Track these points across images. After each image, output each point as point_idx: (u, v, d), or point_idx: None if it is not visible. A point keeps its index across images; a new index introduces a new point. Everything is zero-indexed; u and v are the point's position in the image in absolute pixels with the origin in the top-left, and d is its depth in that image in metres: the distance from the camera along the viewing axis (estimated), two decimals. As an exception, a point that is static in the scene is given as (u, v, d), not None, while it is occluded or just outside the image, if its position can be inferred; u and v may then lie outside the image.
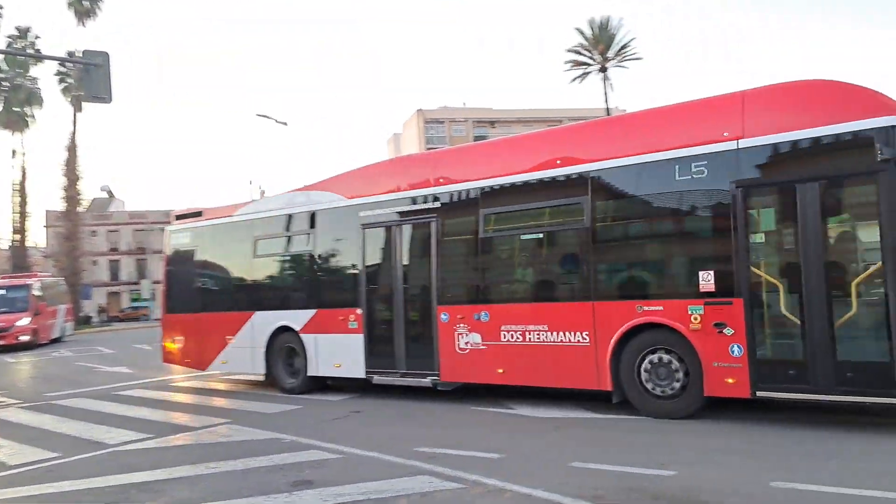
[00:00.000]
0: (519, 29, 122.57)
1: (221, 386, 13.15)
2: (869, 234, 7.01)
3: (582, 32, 46.59)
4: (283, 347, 11.60)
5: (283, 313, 11.61)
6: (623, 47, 45.97)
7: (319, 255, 11.35)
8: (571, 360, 8.52)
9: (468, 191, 9.62)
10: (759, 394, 7.27)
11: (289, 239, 11.89)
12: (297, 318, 11.39)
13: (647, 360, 8.06)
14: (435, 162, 10.38)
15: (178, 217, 13.99)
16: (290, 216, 11.80)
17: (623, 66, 46.92)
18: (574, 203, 8.66)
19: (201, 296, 13.10)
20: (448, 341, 9.62)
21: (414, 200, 10.13)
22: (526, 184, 9.11)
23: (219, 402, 11.22)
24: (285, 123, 28.14)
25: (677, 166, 7.83)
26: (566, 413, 8.67)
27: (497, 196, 9.36)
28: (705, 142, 7.69)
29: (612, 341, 8.20)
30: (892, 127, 6.64)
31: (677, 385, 7.89)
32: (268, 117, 27.96)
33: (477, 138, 57.19)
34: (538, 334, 8.82)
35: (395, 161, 12.78)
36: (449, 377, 9.72)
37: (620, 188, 8.39)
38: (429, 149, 57.20)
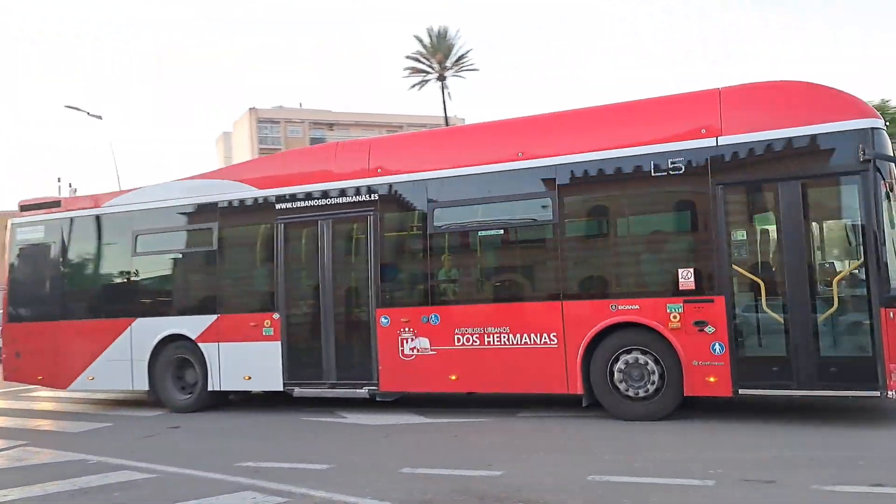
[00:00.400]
0: (361, 32, 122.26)
1: (34, 405, 11.92)
2: (849, 232, 7.37)
3: (421, 40, 47.09)
4: (173, 359, 10.21)
5: (175, 319, 10.20)
6: (461, 57, 46.97)
7: (224, 253, 10.04)
8: (537, 364, 8.15)
9: (415, 182, 8.95)
10: (741, 392, 7.34)
11: (182, 234, 10.51)
12: (193, 325, 10.00)
13: (620, 361, 7.86)
14: (371, 150, 9.47)
15: (27, 207, 11.84)
16: (184, 208, 10.41)
17: (460, 76, 47.98)
18: (540, 197, 8.39)
19: (60, 301, 11.20)
20: (389, 347, 8.85)
21: (348, 192, 9.29)
22: (484, 176, 8.62)
23: (17, 422, 10.12)
24: (100, 117, 26.01)
25: (653, 162, 7.77)
26: (398, 419, 8.62)
27: (451, 189, 8.80)
28: (683, 138, 7.72)
29: (584, 342, 7.95)
30: (873, 129, 7.00)
31: (652, 386, 7.75)
32: (79, 109, 25.70)
33: (313, 140, 56.22)
34: (499, 337, 8.37)
35: (319, 149, 11.18)
36: (390, 386, 8.92)
37: (592, 183, 8.21)
38: (262, 150, 55.51)
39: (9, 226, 12.05)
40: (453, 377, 8.59)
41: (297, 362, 9.43)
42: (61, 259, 11.32)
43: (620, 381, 7.85)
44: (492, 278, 8.88)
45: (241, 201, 10.01)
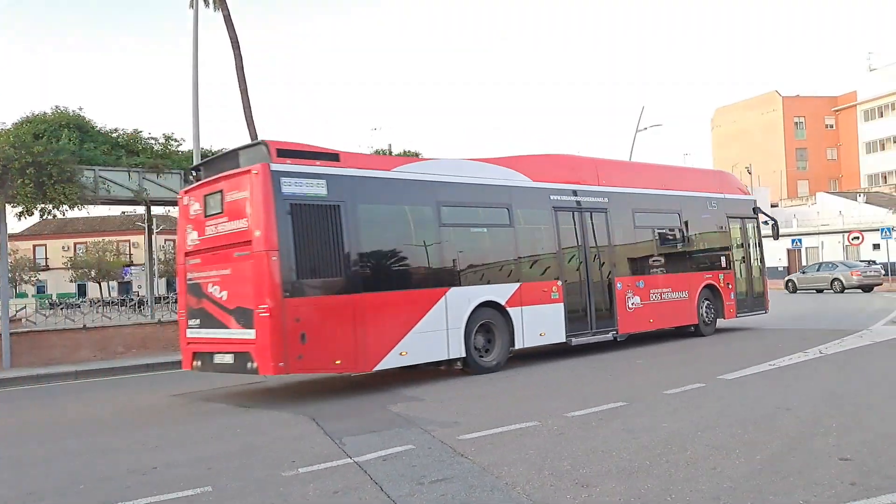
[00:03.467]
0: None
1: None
2: (753, 243, 17.05)
3: None
4: (478, 325, 11.17)
5: (486, 288, 11.39)
6: None
7: (520, 231, 12.16)
8: (681, 309, 14.83)
9: (626, 194, 14.15)
10: (738, 316, 16.19)
11: (481, 211, 11.83)
12: (501, 293, 11.52)
13: (704, 304, 15.34)
14: (597, 167, 14.17)
15: (289, 154, 9.43)
16: (482, 187, 11.75)
17: None
18: (674, 213, 15.18)
19: (360, 271, 9.84)
20: (622, 304, 13.49)
21: (596, 194, 13.56)
22: (654, 196, 14.78)
23: None
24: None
25: (707, 202, 15.90)
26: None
27: (642, 202, 14.47)
28: (716, 191, 16.33)
29: (697, 295, 15.18)
30: (755, 200, 17.70)
31: (711, 317, 15.52)
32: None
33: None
34: (668, 294, 14.54)
35: (562, 158, 14.16)
36: (623, 330, 13.54)
37: (691, 210, 15.46)
38: None
39: (262, 171, 9.08)
40: (651, 321, 14.19)
41: (572, 319, 12.61)
42: (353, 223, 9.76)
43: (706, 314, 15.39)
44: (663, 259, 14.73)
45: (526, 189, 12.38)
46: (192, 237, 10.33)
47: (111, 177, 16.39)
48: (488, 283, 11.45)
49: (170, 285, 56.49)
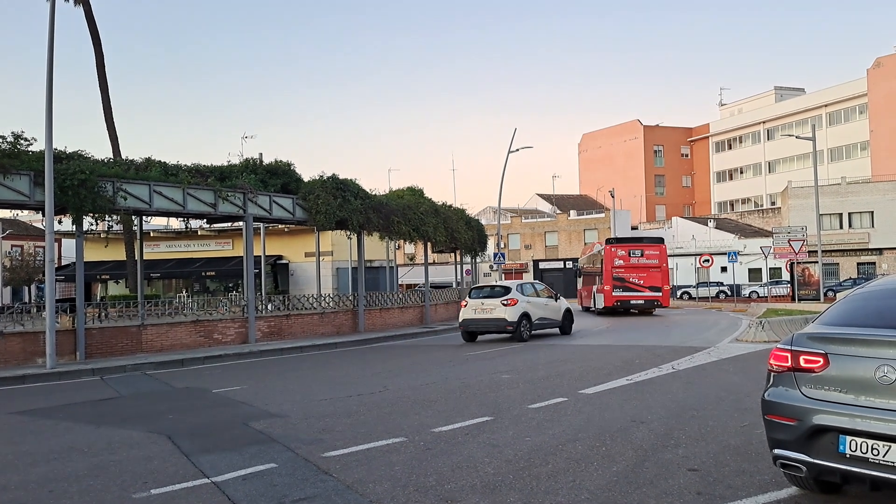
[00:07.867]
0: None
1: None
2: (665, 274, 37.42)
3: None
4: None
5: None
6: None
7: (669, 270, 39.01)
8: (666, 299, 35.57)
9: (668, 255, 40.37)
10: (668, 306, 38.54)
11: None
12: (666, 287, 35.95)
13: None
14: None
15: (663, 241, 35.89)
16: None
17: None
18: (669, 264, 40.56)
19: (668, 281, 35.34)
20: (668, 295, 36.94)
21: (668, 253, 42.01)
22: (668, 255, 38.59)
23: None
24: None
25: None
26: None
27: (670, 259, 41.10)
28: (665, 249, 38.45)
29: (667, 294, 37.76)
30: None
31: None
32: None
33: None
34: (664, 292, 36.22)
35: (662, 241, 37.92)
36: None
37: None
38: None
39: (665, 247, 35.00)
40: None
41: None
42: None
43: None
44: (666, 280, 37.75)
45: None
46: (618, 263, 32.36)
47: (-52, 175, 14.96)
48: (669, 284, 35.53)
49: (16, 294, 52.18)
